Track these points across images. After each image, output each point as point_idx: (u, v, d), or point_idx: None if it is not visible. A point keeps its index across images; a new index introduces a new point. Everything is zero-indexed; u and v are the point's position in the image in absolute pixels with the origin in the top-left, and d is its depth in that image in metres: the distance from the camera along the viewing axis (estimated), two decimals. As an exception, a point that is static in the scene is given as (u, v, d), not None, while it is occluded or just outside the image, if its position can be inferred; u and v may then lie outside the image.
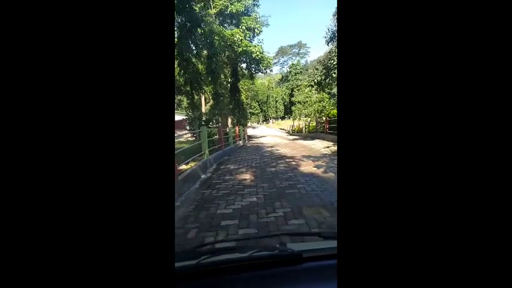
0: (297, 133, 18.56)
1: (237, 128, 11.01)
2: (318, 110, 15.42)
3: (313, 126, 14.42)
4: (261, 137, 20.57)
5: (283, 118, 49.03)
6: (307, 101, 16.84)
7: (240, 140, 11.51)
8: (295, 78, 23.96)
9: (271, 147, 8.94)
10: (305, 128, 16.36)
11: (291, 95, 24.04)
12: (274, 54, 52.65)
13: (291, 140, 11.84)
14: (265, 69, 14.47)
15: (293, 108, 22.02)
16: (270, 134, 22.63)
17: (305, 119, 18.03)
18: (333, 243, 0.69)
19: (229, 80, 16.70)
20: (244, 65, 15.21)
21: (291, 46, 53.13)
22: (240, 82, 26.48)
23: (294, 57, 49.26)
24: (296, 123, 21.35)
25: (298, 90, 23.51)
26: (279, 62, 55.46)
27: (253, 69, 14.97)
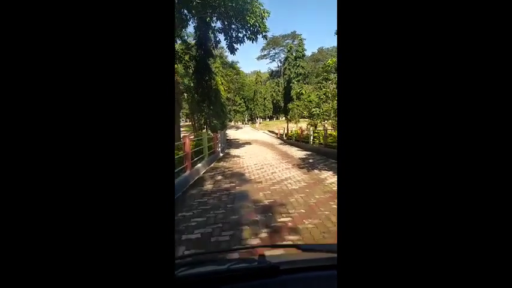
0: (297, 141, 12.20)
1: (187, 141, 4.79)
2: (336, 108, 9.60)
3: (334, 136, 8.55)
4: (245, 144, 14.24)
5: (271, 118, 43.11)
6: (318, 95, 10.95)
7: (197, 164, 5.34)
8: (293, 65, 17.82)
9: (275, 230, 2.79)
10: (313, 137, 10.31)
11: (288, 88, 17.81)
12: (265, 45, 46.62)
13: (306, 173, 5.55)
14: (254, 33, 8.14)
15: (290, 105, 16.04)
16: (258, 140, 16.37)
17: (309, 121, 12.13)
18: (310, 256, 0.78)
19: (195, 53, 10.38)
20: (218, 24, 8.90)
21: (283, 36, 46.90)
22: (220, 69, 19.89)
23: (286, 50, 43.39)
24: (294, 126, 15.19)
25: (298, 81, 17.44)
26: (269, 54, 49.51)
27: (233, 33, 8.57)
